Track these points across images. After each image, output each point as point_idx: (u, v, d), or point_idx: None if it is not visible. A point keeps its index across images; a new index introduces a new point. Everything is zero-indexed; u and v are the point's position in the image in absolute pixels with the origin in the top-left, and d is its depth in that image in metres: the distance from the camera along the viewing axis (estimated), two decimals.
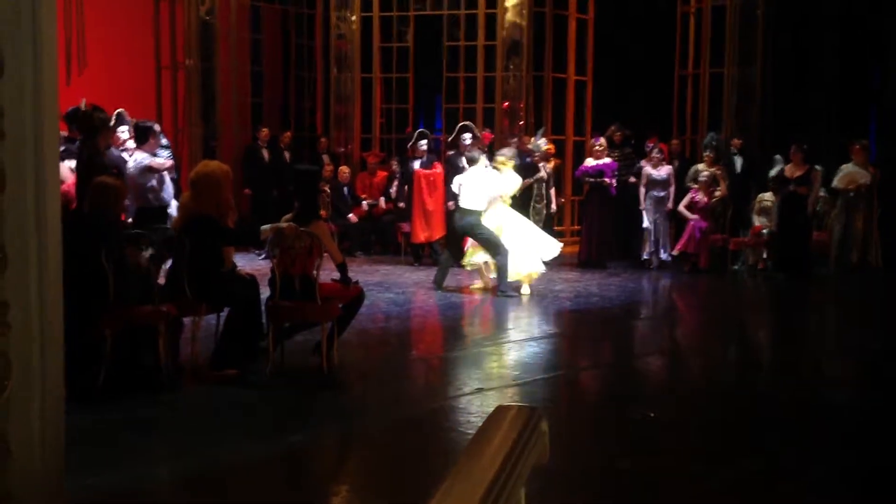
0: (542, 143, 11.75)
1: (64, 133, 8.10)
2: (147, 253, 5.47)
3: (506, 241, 9.15)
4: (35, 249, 2.72)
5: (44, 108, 2.73)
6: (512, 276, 9.15)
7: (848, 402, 5.78)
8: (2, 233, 2.61)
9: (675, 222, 11.71)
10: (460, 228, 9.37)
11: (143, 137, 8.60)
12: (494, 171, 9.50)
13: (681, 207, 11.33)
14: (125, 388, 5.22)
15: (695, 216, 11.19)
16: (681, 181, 11.56)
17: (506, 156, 9.76)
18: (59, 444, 2.85)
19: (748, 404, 5.61)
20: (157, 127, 8.93)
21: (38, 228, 2.72)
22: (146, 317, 5.29)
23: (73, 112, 8.54)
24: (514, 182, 9.66)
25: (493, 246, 9.12)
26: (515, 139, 12.42)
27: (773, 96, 12.97)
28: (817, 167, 11.07)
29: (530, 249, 9.27)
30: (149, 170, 8.41)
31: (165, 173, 8.60)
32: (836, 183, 11.07)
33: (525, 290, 9.28)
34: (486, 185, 9.24)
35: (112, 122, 8.69)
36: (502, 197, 9.41)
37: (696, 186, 11.30)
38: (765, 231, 11.16)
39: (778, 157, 11.27)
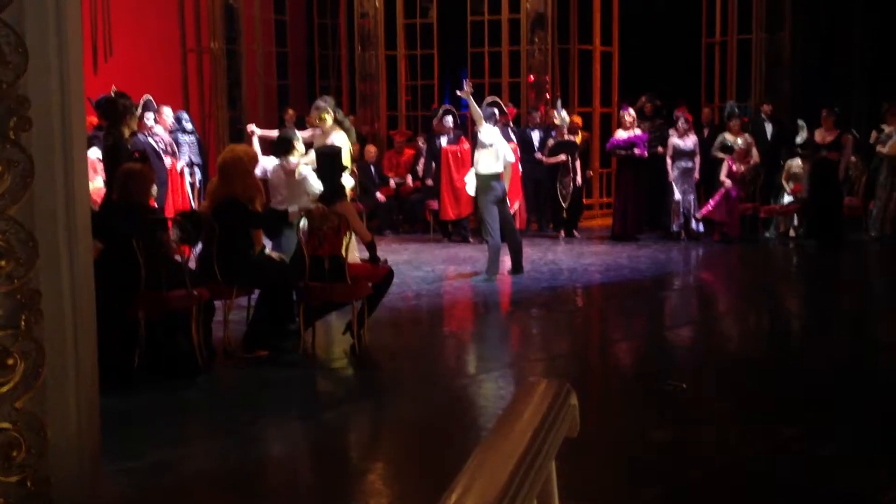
0: (566, 115, 11.65)
1: (94, 121, 8.18)
2: (177, 238, 5.51)
3: None
4: (65, 237, 2.73)
5: (70, 96, 2.74)
6: None
7: (883, 368, 5.73)
8: (32, 222, 2.63)
9: (704, 191, 11.58)
10: (499, 197, 8.40)
11: None
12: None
13: (722, 177, 11.10)
14: (160, 372, 5.31)
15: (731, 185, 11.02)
16: (709, 150, 11.41)
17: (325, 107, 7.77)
18: (95, 428, 2.89)
19: (782, 373, 5.57)
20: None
21: (68, 216, 2.74)
22: (179, 301, 5.35)
23: (103, 100, 8.62)
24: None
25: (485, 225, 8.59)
26: (537, 112, 12.33)
27: (802, 61, 12.73)
28: (854, 132, 10.84)
29: None
30: None
31: None
32: (886, 149, 10.76)
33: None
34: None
35: (139, 109, 8.77)
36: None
37: (730, 156, 11.09)
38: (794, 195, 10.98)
39: (801, 122, 11.03)
